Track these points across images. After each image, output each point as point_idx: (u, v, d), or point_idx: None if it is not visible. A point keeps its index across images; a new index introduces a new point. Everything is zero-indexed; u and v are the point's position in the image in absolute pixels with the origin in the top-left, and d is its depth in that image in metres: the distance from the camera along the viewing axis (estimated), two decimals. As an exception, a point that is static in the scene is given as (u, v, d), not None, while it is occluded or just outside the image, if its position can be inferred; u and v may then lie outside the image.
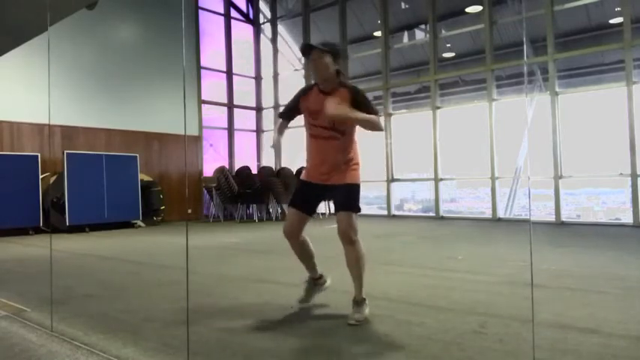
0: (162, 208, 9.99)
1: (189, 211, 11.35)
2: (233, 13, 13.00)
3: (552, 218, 8.73)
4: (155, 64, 10.67)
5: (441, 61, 10.87)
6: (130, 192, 9.24)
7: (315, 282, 3.05)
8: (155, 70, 10.67)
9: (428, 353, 2.21)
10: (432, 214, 10.48)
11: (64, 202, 8.22)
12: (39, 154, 8.45)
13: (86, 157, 8.86)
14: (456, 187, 12.71)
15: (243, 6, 13.31)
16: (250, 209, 11.10)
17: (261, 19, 13.47)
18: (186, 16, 11.15)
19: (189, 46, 11.54)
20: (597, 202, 11.89)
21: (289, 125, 3.09)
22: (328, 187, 2.85)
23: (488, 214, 9.75)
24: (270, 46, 13.31)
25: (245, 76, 13.24)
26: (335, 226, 2.78)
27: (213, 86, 12.39)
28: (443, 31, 10.97)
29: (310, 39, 12.02)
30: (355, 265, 2.77)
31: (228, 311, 3.03)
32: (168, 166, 10.91)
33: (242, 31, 13.26)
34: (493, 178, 9.40)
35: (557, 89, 8.74)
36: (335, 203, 2.86)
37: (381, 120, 2.83)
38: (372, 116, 2.74)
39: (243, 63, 13.17)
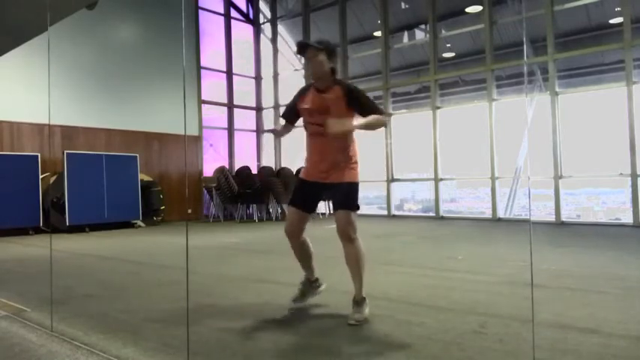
0: (162, 208, 9.99)
1: (189, 211, 11.35)
2: (233, 13, 13.01)
3: (552, 218, 8.72)
4: (155, 64, 10.67)
5: (441, 61, 10.87)
6: (130, 192, 9.24)
7: (311, 284, 3.06)
8: (155, 70, 10.67)
9: (428, 353, 2.21)
10: (432, 214, 10.48)
11: (64, 202, 8.22)
12: (39, 154, 8.45)
13: (86, 157, 8.86)
14: (456, 187, 12.71)
15: (243, 6, 13.31)
16: (250, 209, 11.10)
17: (261, 19, 13.47)
18: (186, 16, 11.15)
19: (189, 46, 11.54)
20: (597, 202, 11.89)
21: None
22: (327, 185, 2.85)
23: (488, 214, 9.75)
24: (270, 46, 13.31)
25: (245, 76, 13.24)
26: (334, 226, 2.78)
27: (213, 86, 12.39)
28: (443, 31, 10.97)
29: (310, 39, 12.01)
30: (355, 263, 2.78)
31: (228, 311, 3.03)
32: (168, 166, 10.91)
33: (242, 31, 13.26)
34: (493, 178, 9.40)
35: (557, 89, 8.74)
36: (333, 202, 2.87)
37: (385, 117, 2.83)
38: (371, 118, 2.74)
39: (243, 63, 13.17)
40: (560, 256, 5.13)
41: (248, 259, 5.48)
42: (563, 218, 8.67)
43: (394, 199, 11.11)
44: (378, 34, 11.53)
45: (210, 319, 2.80)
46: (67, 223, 8.21)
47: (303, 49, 2.82)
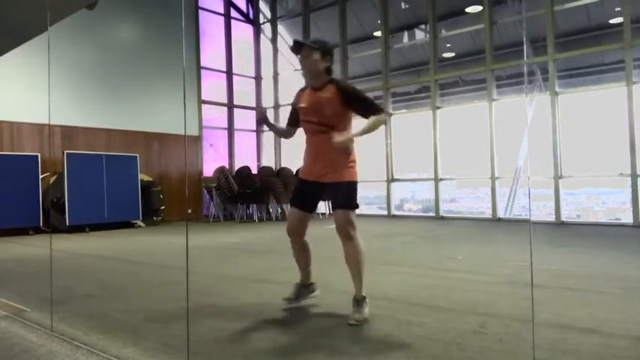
0: (162, 208, 9.99)
1: (189, 211, 11.35)
2: (233, 13, 13.01)
3: (552, 218, 8.73)
4: (155, 64, 10.67)
5: (441, 61, 10.87)
6: (130, 192, 9.24)
7: (306, 288, 3.07)
8: (155, 70, 10.67)
9: (428, 353, 2.21)
10: (432, 214, 10.48)
11: (64, 202, 8.22)
12: (39, 154, 8.45)
13: (86, 157, 8.86)
14: (456, 187, 12.71)
15: (243, 6, 13.31)
16: (250, 209, 11.10)
17: (261, 19, 13.47)
18: (186, 16, 11.15)
19: (189, 46, 11.54)
20: (597, 202, 11.89)
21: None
22: (325, 185, 2.86)
23: (488, 214, 9.75)
24: (270, 46, 13.31)
25: (245, 76, 13.24)
26: (334, 225, 2.78)
27: (213, 86, 12.39)
28: (443, 31, 10.97)
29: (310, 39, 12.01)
30: (354, 261, 2.78)
31: (228, 311, 3.03)
32: (168, 166, 10.91)
33: (242, 31, 13.26)
34: (493, 178, 9.40)
35: (557, 89, 8.74)
36: (332, 201, 2.88)
37: (383, 115, 2.84)
38: (371, 121, 2.77)
39: (243, 63, 13.17)
40: (560, 256, 5.13)
41: (248, 259, 5.48)
42: (563, 218, 8.67)
43: (394, 199, 11.11)
44: (378, 34, 11.53)
45: (210, 319, 2.80)
46: (67, 223, 8.21)
47: (297, 47, 2.85)
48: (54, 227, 8.39)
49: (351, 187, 2.82)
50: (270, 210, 10.82)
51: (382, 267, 4.41)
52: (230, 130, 12.78)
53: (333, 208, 2.83)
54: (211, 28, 12.46)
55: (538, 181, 9.37)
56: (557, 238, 6.76)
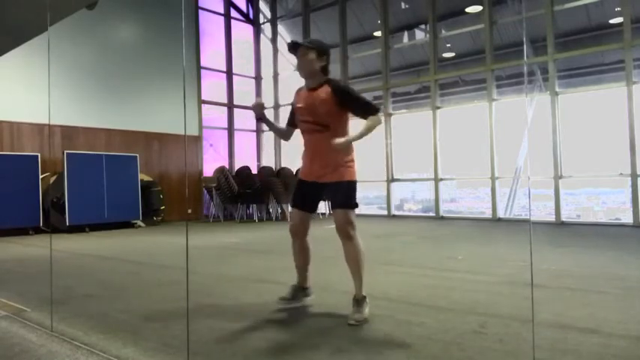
0: (162, 208, 9.99)
1: (189, 211, 11.35)
2: (233, 13, 13.01)
3: (552, 218, 8.73)
4: (155, 64, 10.67)
5: (441, 61, 10.87)
6: (130, 192, 9.24)
7: (301, 290, 3.08)
8: (155, 70, 10.67)
9: (428, 353, 2.21)
10: (432, 214, 10.48)
11: (64, 202, 8.22)
12: (39, 154, 8.45)
13: (86, 157, 8.86)
14: (456, 187, 12.71)
15: (243, 6, 13.31)
16: (250, 209, 11.10)
17: (261, 19, 13.47)
18: (186, 16, 11.15)
19: (189, 46, 11.54)
20: (597, 202, 11.89)
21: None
22: (324, 185, 2.87)
23: (488, 214, 9.75)
24: (270, 46, 13.31)
25: (245, 76, 13.24)
26: (334, 225, 2.79)
27: (213, 86, 12.39)
28: (443, 31, 10.97)
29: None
30: (354, 260, 2.78)
31: (228, 311, 3.03)
32: (168, 166, 10.91)
33: (242, 31, 13.26)
34: (493, 178, 9.40)
35: (557, 89, 8.74)
36: (332, 201, 2.88)
37: (379, 114, 2.83)
38: (368, 123, 2.77)
39: (243, 63, 13.17)
40: (560, 256, 5.13)
41: (248, 259, 5.48)
42: (563, 218, 8.67)
43: (394, 199, 11.11)
44: (378, 34, 11.53)
45: (210, 319, 2.80)
46: (67, 223, 8.21)
47: (294, 48, 2.87)
48: (54, 227, 8.39)
49: (350, 187, 2.83)
50: (270, 210, 10.82)
51: (382, 267, 4.41)
52: (230, 130, 12.78)
53: (333, 207, 2.84)
54: (211, 28, 12.46)
55: (538, 181, 9.37)
56: (557, 238, 6.76)
